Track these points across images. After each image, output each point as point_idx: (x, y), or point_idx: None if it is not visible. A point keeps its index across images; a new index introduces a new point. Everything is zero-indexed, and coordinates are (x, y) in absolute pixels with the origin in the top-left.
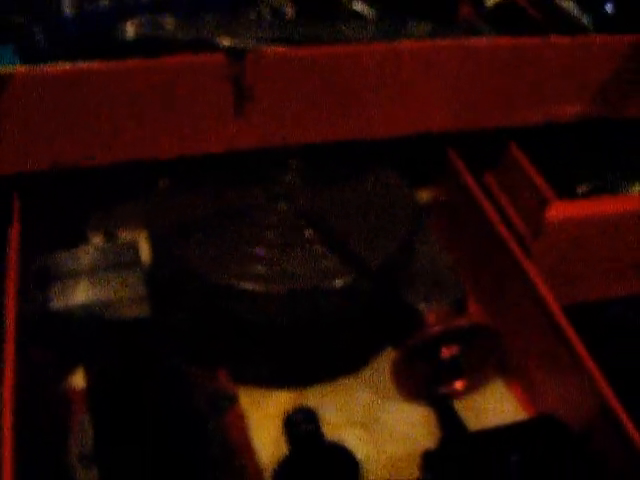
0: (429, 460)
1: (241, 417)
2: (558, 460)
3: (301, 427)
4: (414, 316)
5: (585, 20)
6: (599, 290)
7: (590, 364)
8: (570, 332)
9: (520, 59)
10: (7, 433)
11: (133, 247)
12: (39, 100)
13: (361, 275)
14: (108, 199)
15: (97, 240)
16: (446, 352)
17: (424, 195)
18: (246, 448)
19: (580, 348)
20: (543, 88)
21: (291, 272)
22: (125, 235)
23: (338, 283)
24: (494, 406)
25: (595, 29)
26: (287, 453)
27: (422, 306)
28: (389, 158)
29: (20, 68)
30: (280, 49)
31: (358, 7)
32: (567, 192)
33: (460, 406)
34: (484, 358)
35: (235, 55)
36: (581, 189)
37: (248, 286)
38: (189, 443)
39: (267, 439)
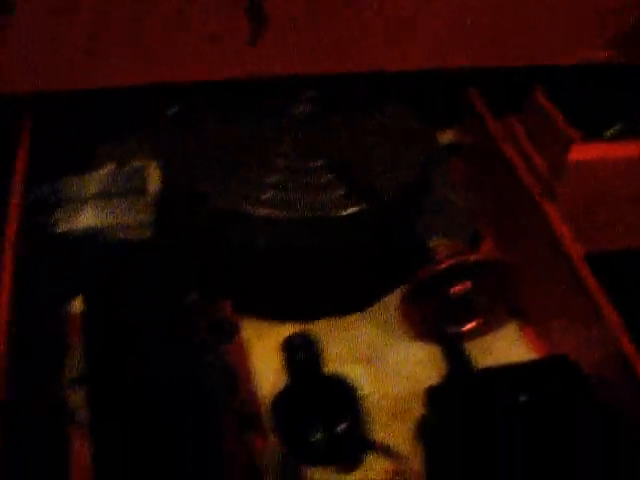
0: (432, 396)
1: (243, 347)
2: (568, 402)
3: (299, 351)
4: (425, 251)
5: None
6: (623, 240)
7: (608, 310)
8: (589, 278)
9: None
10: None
11: (141, 173)
12: (58, 16)
13: (372, 205)
14: (119, 129)
15: (106, 168)
16: (456, 288)
17: (445, 137)
18: (247, 377)
19: (598, 294)
20: (575, 28)
21: (300, 199)
22: (134, 164)
23: (347, 212)
24: (505, 349)
25: None
26: (287, 382)
27: (433, 241)
28: (411, 98)
29: None
30: None
31: None
32: (594, 136)
33: (470, 347)
34: (497, 297)
35: None
36: (609, 132)
37: (255, 211)
38: (187, 368)
39: (269, 370)
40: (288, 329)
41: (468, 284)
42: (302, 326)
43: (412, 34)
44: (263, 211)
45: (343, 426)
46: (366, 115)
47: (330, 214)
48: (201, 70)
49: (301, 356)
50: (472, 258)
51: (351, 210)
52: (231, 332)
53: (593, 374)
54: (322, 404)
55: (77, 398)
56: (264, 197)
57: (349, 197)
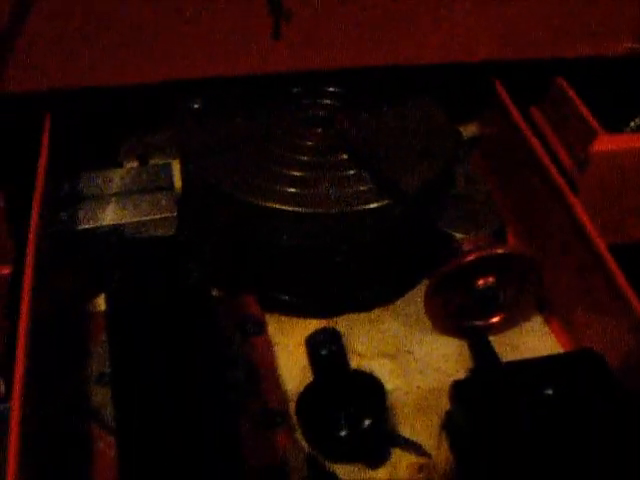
0: (458, 390)
1: (269, 344)
2: (595, 396)
3: (323, 347)
4: (450, 245)
5: None
6: None
7: (635, 301)
8: (615, 270)
9: None
10: (20, 353)
11: (166, 170)
12: (75, 15)
13: (396, 200)
14: (142, 125)
15: (130, 165)
16: (481, 282)
17: (469, 128)
18: (272, 374)
19: (625, 286)
20: (597, 20)
21: (323, 194)
22: (158, 161)
23: (372, 206)
24: (531, 342)
25: None
26: (312, 378)
27: (458, 235)
28: (433, 90)
29: None
30: None
31: None
32: (617, 129)
33: (496, 341)
34: (522, 291)
35: None
36: (633, 123)
37: (278, 205)
38: (212, 365)
39: (294, 367)
40: (313, 324)
41: (493, 278)
42: (326, 321)
43: (436, 28)
44: (288, 207)
45: (369, 422)
46: (390, 109)
47: (355, 208)
48: (222, 65)
49: (326, 352)
50: (498, 251)
51: (376, 204)
52: (257, 327)
53: (620, 367)
54: (348, 400)
55: (101, 397)
56: (289, 192)
57: (373, 191)
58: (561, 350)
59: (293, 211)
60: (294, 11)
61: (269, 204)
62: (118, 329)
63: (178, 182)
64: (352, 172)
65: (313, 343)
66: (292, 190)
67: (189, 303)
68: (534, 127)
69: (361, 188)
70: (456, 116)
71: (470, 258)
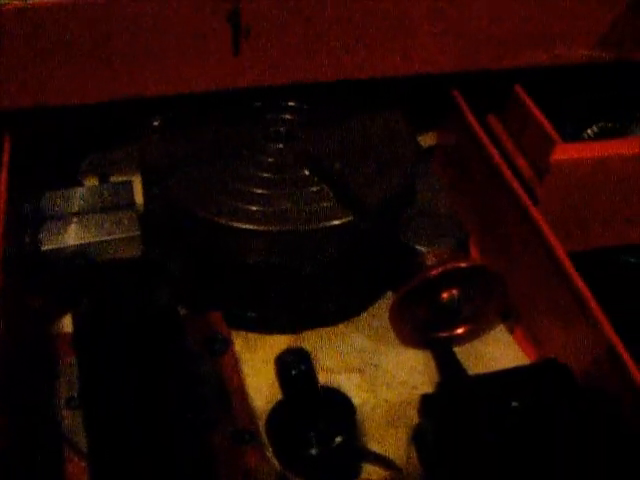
0: (427, 403)
1: (236, 361)
2: (560, 407)
3: (293, 368)
4: (414, 258)
5: None
6: (607, 237)
7: (597, 310)
8: (576, 278)
9: None
10: None
11: (127, 188)
12: (34, 35)
13: (359, 216)
14: (101, 142)
15: (90, 183)
16: (446, 295)
17: (427, 138)
18: (241, 392)
19: (586, 294)
20: (551, 28)
21: (286, 211)
22: (120, 179)
23: (335, 223)
24: (496, 352)
25: None
26: (281, 397)
27: (422, 248)
28: (391, 99)
29: (13, 1)
30: None
31: None
32: (575, 135)
33: (460, 352)
34: (486, 302)
35: None
36: (590, 130)
37: (240, 224)
38: (181, 385)
39: (263, 383)
40: (279, 340)
41: (457, 290)
42: (293, 336)
43: (397, 42)
44: (251, 225)
45: (339, 440)
46: (351, 122)
47: (317, 226)
48: (183, 82)
49: (296, 372)
50: (461, 265)
51: (339, 221)
52: (224, 345)
53: (584, 376)
54: (318, 418)
55: (71, 421)
56: (252, 210)
57: (336, 208)
58: (525, 359)
59: (255, 229)
60: (253, 27)
61: (231, 222)
62: (87, 353)
63: (139, 198)
64: (315, 188)
65: (282, 363)
66: (255, 208)
67: (158, 324)
68: (492, 136)
69: (324, 204)
70: (414, 126)
71: (434, 273)
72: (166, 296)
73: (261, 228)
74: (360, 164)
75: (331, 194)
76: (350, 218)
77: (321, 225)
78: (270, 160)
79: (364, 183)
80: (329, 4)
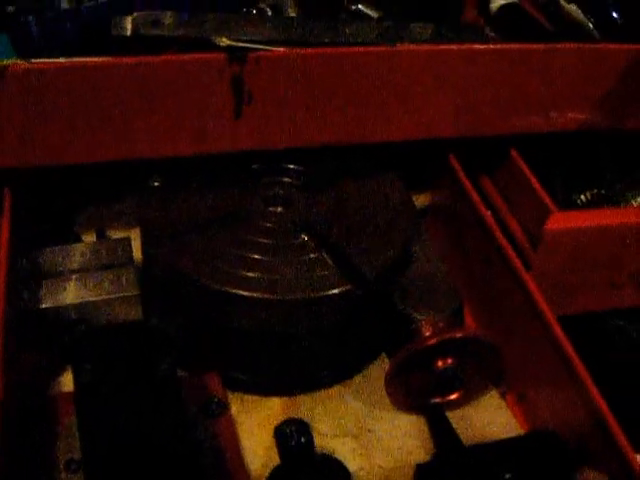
0: (422, 474)
1: (232, 424)
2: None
3: (293, 440)
4: (409, 325)
5: (591, 26)
6: (598, 302)
7: (587, 380)
8: (568, 347)
9: (524, 65)
10: None
11: (125, 245)
12: (37, 96)
13: (357, 285)
14: (99, 196)
15: (88, 238)
16: (441, 363)
17: (421, 199)
18: (237, 456)
19: (577, 364)
20: (546, 96)
21: (285, 280)
22: (117, 233)
23: (333, 292)
24: (488, 417)
25: (601, 36)
26: (279, 464)
27: (417, 315)
28: (388, 160)
29: (18, 62)
30: (281, 50)
31: (361, 8)
32: (567, 200)
33: (452, 416)
34: (480, 370)
35: (235, 55)
36: (583, 196)
37: (241, 292)
38: (179, 449)
39: (258, 447)
40: (275, 403)
41: (451, 359)
42: (288, 400)
43: (397, 110)
44: (248, 292)
45: None
46: (349, 186)
47: (315, 295)
48: (183, 145)
49: (295, 443)
50: (457, 335)
51: (337, 290)
52: (221, 407)
53: (574, 440)
54: None
55: None
56: (249, 277)
57: (334, 276)
58: (517, 425)
59: (252, 297)
60: (255, 92)
61: (227, 289)
62: (89, 421)
63: (137, 254)
64: (313, 255)
65: (282, 435)
66: (252, 274)
67: (159, 392)
68: (486, 199)
69: (322, 273)
70: (408, 185)
71: (430, 342)
72: (167, 364)
73: (258, 296)
74: (358, 231)
75: (329, 262)
76: (348, 287)
77: (319, 294)
78: (268, 225)
79: (362, 251)
80: (330, 74)
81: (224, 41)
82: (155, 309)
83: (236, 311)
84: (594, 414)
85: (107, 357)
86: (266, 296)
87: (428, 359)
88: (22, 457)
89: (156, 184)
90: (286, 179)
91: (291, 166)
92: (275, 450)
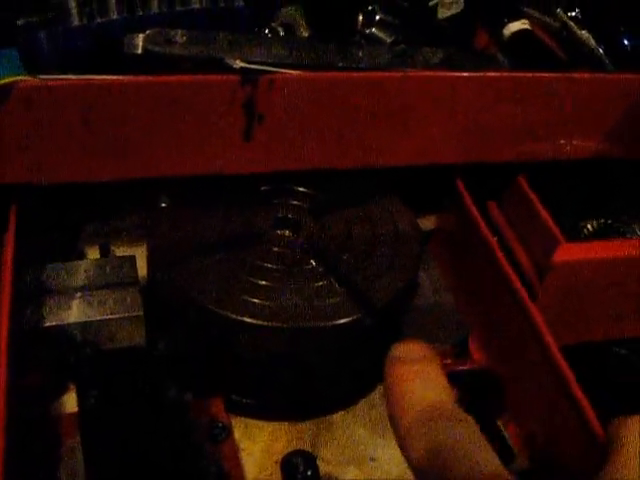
0: None
1: (236, 449)
2: None
3: (299, 472)
4: None
5: (601, 52)
6: (602, 332)
7: (589, 413)
8: (571, 379)
9: (536, 93)
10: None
11: (130, 263)
12: (46, 113)
13: (365, 314)
14: (103, 212)
15: (92, 254)
16: None
17: (425, 222)
18: None
19: (581, 399)
20: (557, 124)
21: (292, 307)
22: (121, 250)
23: (341, 322)
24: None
25: (613, 63)
26: None
27: None
28: (394, 183)
29: (27, 78)
30: (294, 73)
31: (373, 31)
32: (573, 227)
33: None
34: (483, 400)
35: (248, 77)
36: (590, 226)
37: (244, 318)
38: (185, 474)
39: (261, 474)
40: (278, 428)
41: (456, 390)
42: (291, 425)
43: (406, 135)
44: (254, 320)
45: None
46: (359, 210)
47: (321, 324)
48: (193, 165)
49: (299, 475)
50: (462, 368)
51: (344, 320)
52: (224, 432)
53: (578, 471)
54: None
55: None
56: (256, 304)
57: (342, 305)
58: (519, 455)
59: (257, 324)
60: (267, 114)
61: (234, 316)
62: (95, 446)
63: (142, 271)
64: (321, 283)
65: (290, 466)
66: (258, 301)
67: (165, 418)
68: (492, 225)
69: (330, 301)
70: (413, 208)
71: None
72: (175, 391)
73: (262, 323)
74: (366, 258)
75: (337, 290)
76: (356, 316)
77: (327, 323)
78: (277, 250)
79: (371, 279)
80: (342, 98)
81: (238, 63)
82: (159, 331)
83: (240, 337)
84: (594, 442)
85: (113, 382)
86: (271, 324)
87: None
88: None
89: (164, 205)
90: (295, 202)
91: (301, 189)
92: (278, 476)
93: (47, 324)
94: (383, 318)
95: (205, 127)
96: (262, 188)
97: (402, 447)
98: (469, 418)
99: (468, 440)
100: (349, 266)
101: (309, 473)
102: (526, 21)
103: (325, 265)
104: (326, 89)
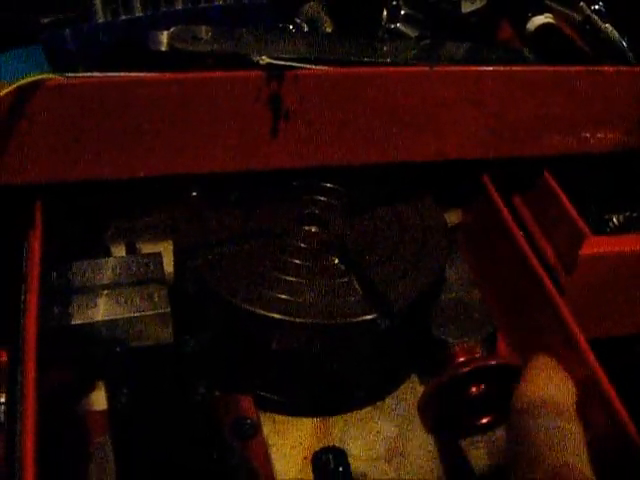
0: None
1: (265, 446)
2: None
3: (330, 468)
4: (443, 350)
5: (625, 45)
6: (622, 326)
7: (618, 406)
8: (600, 373)
9: (561, 87)
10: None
11: (157, 260)
12: (72, 110)
13: (381, 315)
14: (130, 209)
15: (118, 251)
16: (474, 389)
17: (453, 217)
18: (270, 478)
19: (610, 393)
20: (582, 117)
21: (316, 304)
22: (146, 247)
23: (360, 319)
24: None
25: (636, 56)
26: None
27: (451, 340)
28: (421, 178)
29: (53, 76)
30: (320, 68)
31: (398, 26)
32: (599, 220)
33: (481, 439)
34: (510, 393)
35: (274, 73)
36: (615, 219)
37: (267, 313)
38: (214, 472)
39: (291, 470)
40: (306, 424)
41: (484, 385)
42: (320, 421)
43: (436, 130)
44: (276, 315)
45: None
46: (386, 208)
47: (342, 321)
48: (221, 162)
49: (331, 471)
50: (491, 363)
51: (364, 317)
52: (253, 429)
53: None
54: None
55: None
56: (279, 299)
57: (363, 303)
58: None
59: (280, 319)
60: (292, 110)
61: (257, 310)
62: (125, 444)
63: (169, 268)
64: (343, 280)
65: (320, 462)
66: (282, 296)
67: (195, 416)
68: (519, 219)
69: (350, 299)
70: (439, 202)
71: (465, 370)
72: (204, 388)
73: (284, 318)
74: (392, 258)
75: (357, 288)
76: (372, 316)
77: (346, 321)
78: (302, 245)
79: (392, 280)
80: (368, 93)
81: (264, 59)
82: (187, 327)
83: (264, 331)
84: (624, 439)
85: (142, 381)
86: (292, 319)
87: (461, 384)
88: (53, 477)
89: (194, 194)
90: (324, 198)
91: (331, 185)
92: (307, 472)
93: (74, 322)
94: (409, 316)
95: (232, 124)
96: (289, 184)
97: None
98: None
99: None
100: (372, 265)
101: (340, 469)
102: (550, 15)
103: (347, 262)
104: (352, 85)
